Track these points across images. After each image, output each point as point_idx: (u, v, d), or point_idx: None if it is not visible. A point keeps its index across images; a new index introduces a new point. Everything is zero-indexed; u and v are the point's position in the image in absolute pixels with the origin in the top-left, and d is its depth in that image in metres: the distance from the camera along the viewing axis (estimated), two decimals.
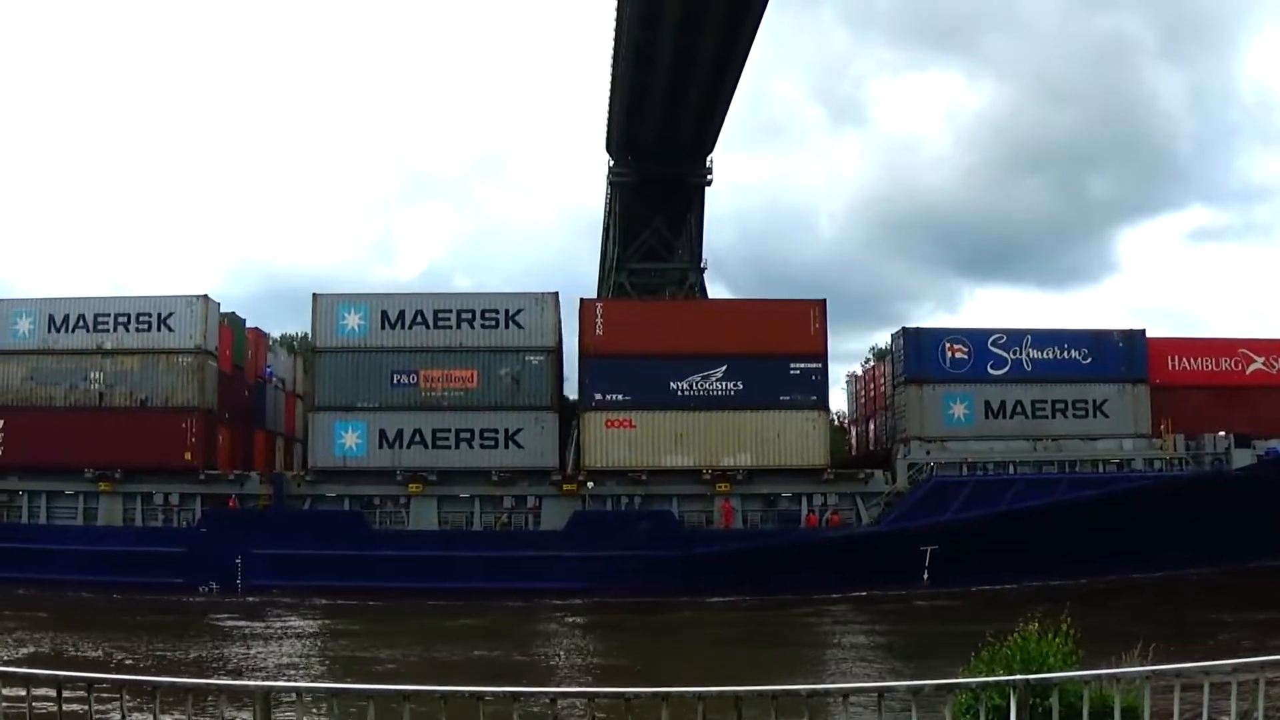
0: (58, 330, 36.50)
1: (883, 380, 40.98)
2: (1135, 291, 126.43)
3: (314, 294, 35.64)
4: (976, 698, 8.14)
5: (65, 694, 7.39)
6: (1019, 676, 7.86)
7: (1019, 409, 36.17)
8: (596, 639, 29.63)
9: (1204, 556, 33.65)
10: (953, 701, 7.94)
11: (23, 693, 7.48)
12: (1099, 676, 7.86)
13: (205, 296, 36.21)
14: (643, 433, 34.91)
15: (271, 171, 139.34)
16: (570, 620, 31.79)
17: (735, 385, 35.05)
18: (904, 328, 37.00)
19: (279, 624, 30.89)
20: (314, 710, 8.07)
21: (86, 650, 25.36)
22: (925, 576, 34.48)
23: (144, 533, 35.81)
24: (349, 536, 34.76)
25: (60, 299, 37.11)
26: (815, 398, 35.36)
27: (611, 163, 59.50)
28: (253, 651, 26.14)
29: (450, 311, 35.28)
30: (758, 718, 7.17)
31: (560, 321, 35.65)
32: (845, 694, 7.24)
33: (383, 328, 35.36)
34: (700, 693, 6.93)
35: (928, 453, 35.77)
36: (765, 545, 34.25)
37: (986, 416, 36.09)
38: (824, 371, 35.74)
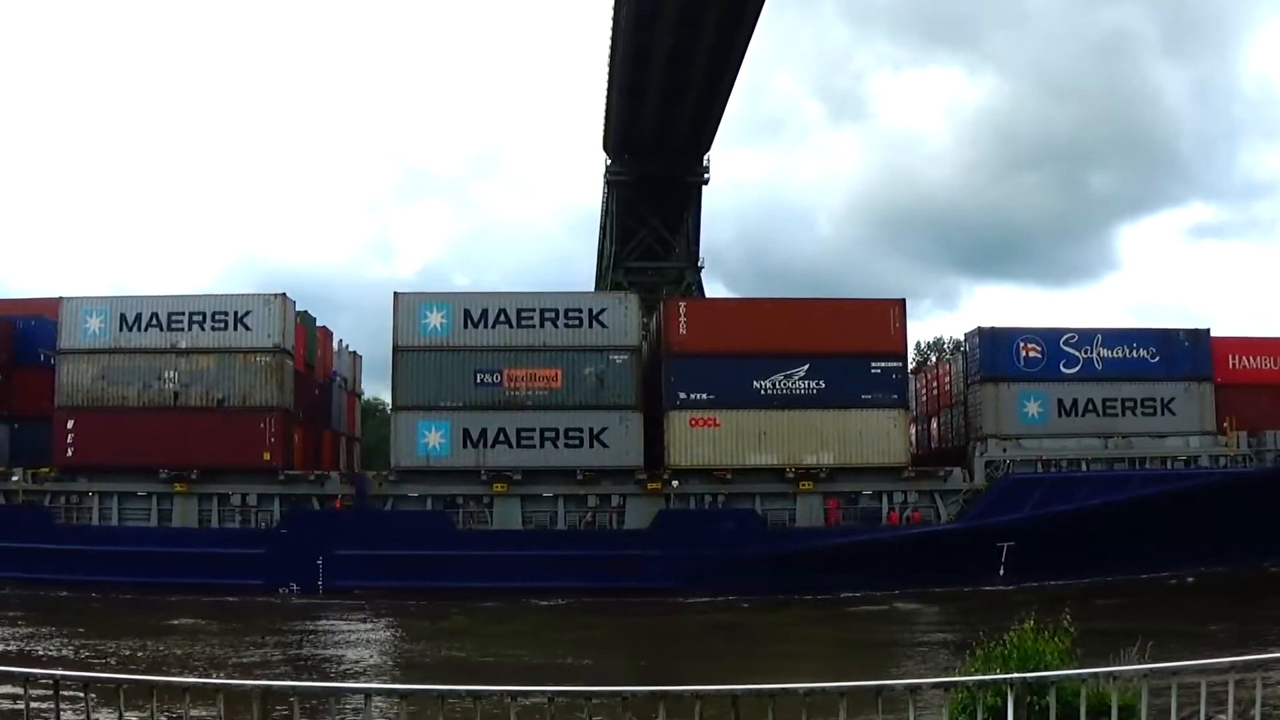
0: (129, 329, 35.98)
1: (946, 378, 41.50)
2: (1136, 289, 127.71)
3: (395, 292, 35.49)
4: (974, 696, 8.11)
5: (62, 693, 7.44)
6: (1015, 675, 7.82)
7: (1090, 407, 36.79)
8: (689, 639, 29.59)
9: (1272, 551, 34.57)
10: (950, 700, 7.91)
11: (20, 691, 7.48)
12: (1095, 675, 7.85)
13: (283, 295, 35.91)
14: (726, 431, 35.11)
15: (269, 169, 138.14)
16: (655, 620, 31.77)
17: (817, 384, 35.33)
18: (979, 327, 37.52)
19: (369, 624, 30.81)
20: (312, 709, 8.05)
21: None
22: (1001, 572, 34.99)
23: (222, 534, 35.47)
24: (433, 536, 34.67)
25: (132, 297, 36.62)
26: (896, 396, 35.74)
27: (608, 162, 59.49)
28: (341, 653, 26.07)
29: (533, 311, 35.24)
30: (756, 717, 7.14)
31: (642, 321, 35.73)
32: (842, 693, 7.16)
33: (465, 327, 35.23)
34: (698, 691, 6.94)
35: (1004, 450, 36.30)
36: (849, 543, 34.58)
37: (1059, 415, 36.66)
38: (904, 370, 36.21)
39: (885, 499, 35.71)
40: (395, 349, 35.53)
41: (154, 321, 35.90)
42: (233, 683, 7.98)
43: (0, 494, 36.80)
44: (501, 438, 34.95)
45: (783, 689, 7.16)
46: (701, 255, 61.87)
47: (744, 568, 33.98)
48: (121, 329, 36.00)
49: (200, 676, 16.58)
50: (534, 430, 34.96)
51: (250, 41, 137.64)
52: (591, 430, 34.94)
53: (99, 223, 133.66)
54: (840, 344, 35.44)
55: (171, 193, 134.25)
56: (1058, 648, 10.11)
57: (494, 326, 35.23)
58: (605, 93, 53.43)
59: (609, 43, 48.91)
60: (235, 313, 35.65)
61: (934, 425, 42.92)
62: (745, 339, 35.38)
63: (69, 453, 36.02)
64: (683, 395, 35.19)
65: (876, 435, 35.38)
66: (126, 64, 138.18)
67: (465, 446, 34.95)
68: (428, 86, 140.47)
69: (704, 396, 35.21)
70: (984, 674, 9.03)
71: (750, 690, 7.06)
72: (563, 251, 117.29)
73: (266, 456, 35.23)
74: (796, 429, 35.20)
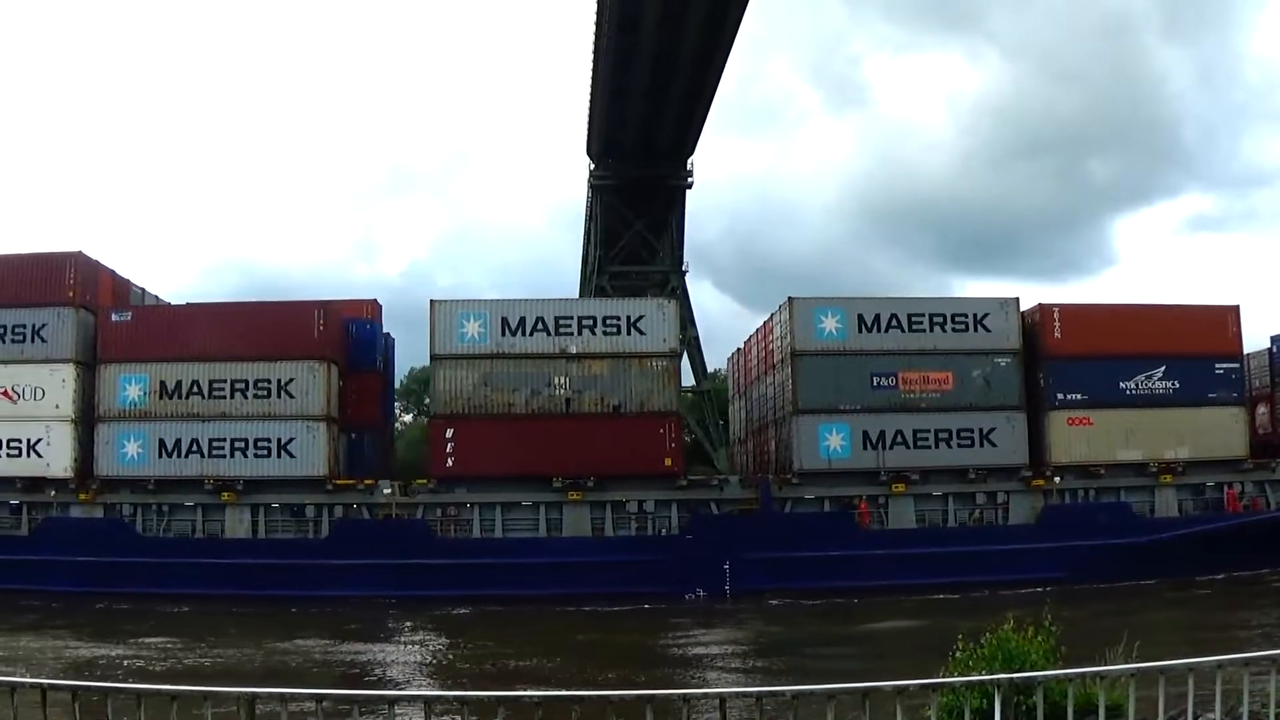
0: (513, 333, 34.75)
1: None
2: (1133, 283, 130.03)
3: (790, 297, 35.75)
4: (960, 697, 8.15)
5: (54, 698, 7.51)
6: (1003, 675, 7.87)
7: None
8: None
9: None
10: (937, 700, 7.99)
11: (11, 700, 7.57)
12: (1083, 675, 7.89)
13: (675, 300, 35.51)
14: (1099, 430, 37.05)
15: (251, 169, 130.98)
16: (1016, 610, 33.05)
17: (1173, 384, 37.75)
18: None
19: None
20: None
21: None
22: None
23: (621, 542, 34.80)
24: (838, 537, 35.12)
25: (512, 300, 35.51)
26: (1236, 394, 38.55)
27: (592, 166, 59.65)
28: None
29: (923, 315, 36.18)
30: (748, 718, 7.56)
31: (1020, 325, 37.19)
32: (830, 694, 7.14)
33: (860, 331, 35.85)
34: (686, 695, 7.27)
35: None
36: (1210, 530, 37.13)
37: None
38: (1242, 370, 39.03)
39: (1224, 490, 38.47)
40: (793, 353, 35.77)
41: (540, 325, 34.81)
42: (219, 689, 7.61)
43: (364, 508, 34.87)
44: (899, 439, 35.73)
45: (769, 691, 7.26)
46: (686, 259, 62.39)
47: (1121, 557, 36.00)
48: (504, 333, 34.72)
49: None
50: (929, 431, 35.91)
51: (228, 39, 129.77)
52: (981, 430, 36.18)
53: (76, 222, 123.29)
54: (1188, 346, 37.92)
55: (149, 195, 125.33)
56: (1042, 647, 10.08)
57: (887, 331, 35.96)
58: (589, 97, 53.14)
59: (592, 48, 48.66)
60: (627, 317, 34.96)
61: None
62: (1110, 342, 37.34)
63: (448, 463, 34.56)
64: (1060, 396, 36.90)
65: (1222, 430, 38.10)
66: (102, 60, 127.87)
67: (865, 448, 35.56)
68: (412, 86, 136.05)
69: (1078, 397, 37.04)
70: (969, 674, 9.07)
71: (737, 693, 7.50)
72: (549, 252, 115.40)
73: (668, 463, 34.79)
74: (1157, 426, 37.45)
